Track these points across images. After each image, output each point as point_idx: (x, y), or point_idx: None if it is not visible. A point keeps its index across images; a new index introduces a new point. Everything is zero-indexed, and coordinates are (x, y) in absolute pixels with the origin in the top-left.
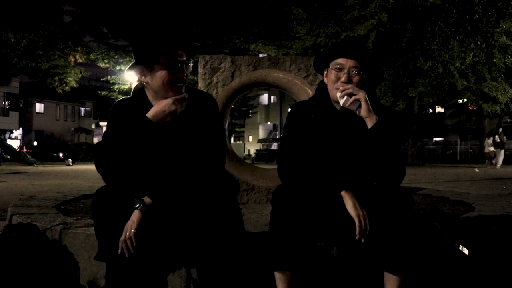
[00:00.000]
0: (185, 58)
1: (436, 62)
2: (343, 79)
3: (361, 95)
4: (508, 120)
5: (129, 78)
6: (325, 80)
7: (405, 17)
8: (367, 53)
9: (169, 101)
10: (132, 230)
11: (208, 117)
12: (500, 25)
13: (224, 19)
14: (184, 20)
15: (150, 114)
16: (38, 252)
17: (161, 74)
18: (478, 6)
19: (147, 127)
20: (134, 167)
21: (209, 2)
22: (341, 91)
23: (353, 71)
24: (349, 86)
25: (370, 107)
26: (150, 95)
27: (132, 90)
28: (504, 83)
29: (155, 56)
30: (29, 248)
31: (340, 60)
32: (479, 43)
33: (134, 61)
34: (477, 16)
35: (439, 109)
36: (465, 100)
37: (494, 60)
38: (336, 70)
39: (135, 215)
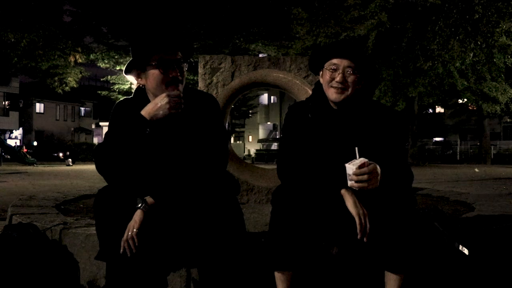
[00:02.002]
0: (179, 57)
1: (436, 62)
2: (338, 79)
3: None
4: (508, 120)
5: (129, 78)
6: (321, 80)
7: (405, 17)
8: (362, 52)
9: (162, 95)
10: (134, 230)
11: (210, 117)
12: (500, 25)
13: (224, 19)
14: (184, 20)
15: (143, 110)
16: (38, 252)
17: (153, 75)
18: (478, 6)
19: (139, 123)
20: (135, 166)
21: (209, 2)
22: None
23: (347, 71)
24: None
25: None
26: (150, 96)
27: (134, 90)
28: (504, 83)
29: (146, 58)
30: (29, 248)
31: (334, 61)
32: (479, 43)
33: (129, 64)
34: (477, 16)
35: (439, 109)
36: (465, 100)
37: (494, 60)
38: (330, 70)
39: (137, 214)
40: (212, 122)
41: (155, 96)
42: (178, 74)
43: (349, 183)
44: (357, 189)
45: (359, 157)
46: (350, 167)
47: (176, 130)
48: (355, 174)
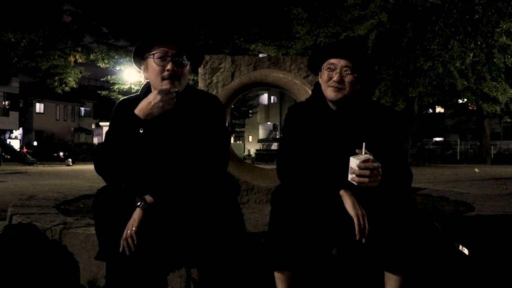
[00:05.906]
0: (177, 52)
1: (436, 62)
2: (335, 78)
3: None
4: (508, 120)
5: (129, 78)
6: (320, 80)
7: (405, 17)
8: (360, 52)
9: (154, 92)
10: (133, 228)
11: (212, 118)
12: (500, 25)
13: (224, 19)
14: (184, 20)
15: (137, 109)
16: (38, 252)
17: (151, 67)
18: (478, 6)
19: (133, 123)
20: (133, 165)
21: (209, 2)
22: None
23: (345, 70)
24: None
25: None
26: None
27: (141, 87)
28: (504, 83)
29: (147, 50)
30: (29, 248)
31: (332, 60)
32: (479, 43)
33: (134, 54)
34: (477, 16)
35: (439, 109)
36: (465, 100)
37: (494, 60)
38: (328, 70)
39: (137, 213)
40: (214, 123)
41: (154, 89)
42: (175, 68)
43: (350, 176)
44: (356, 184)
45: (365, 153)
46: (354, 161)
47: (177, 130)
48: (359, 167)
